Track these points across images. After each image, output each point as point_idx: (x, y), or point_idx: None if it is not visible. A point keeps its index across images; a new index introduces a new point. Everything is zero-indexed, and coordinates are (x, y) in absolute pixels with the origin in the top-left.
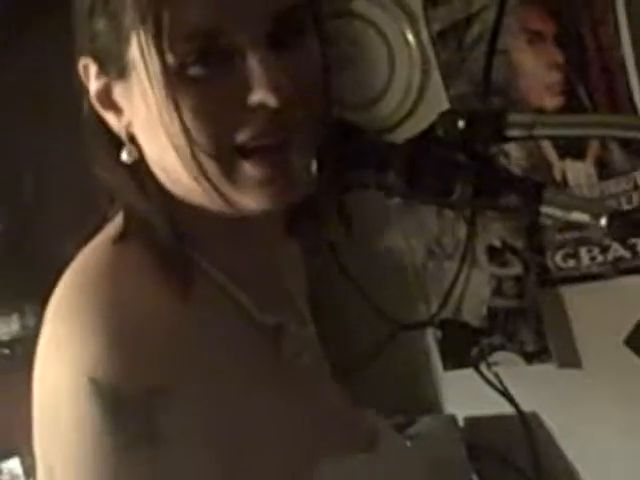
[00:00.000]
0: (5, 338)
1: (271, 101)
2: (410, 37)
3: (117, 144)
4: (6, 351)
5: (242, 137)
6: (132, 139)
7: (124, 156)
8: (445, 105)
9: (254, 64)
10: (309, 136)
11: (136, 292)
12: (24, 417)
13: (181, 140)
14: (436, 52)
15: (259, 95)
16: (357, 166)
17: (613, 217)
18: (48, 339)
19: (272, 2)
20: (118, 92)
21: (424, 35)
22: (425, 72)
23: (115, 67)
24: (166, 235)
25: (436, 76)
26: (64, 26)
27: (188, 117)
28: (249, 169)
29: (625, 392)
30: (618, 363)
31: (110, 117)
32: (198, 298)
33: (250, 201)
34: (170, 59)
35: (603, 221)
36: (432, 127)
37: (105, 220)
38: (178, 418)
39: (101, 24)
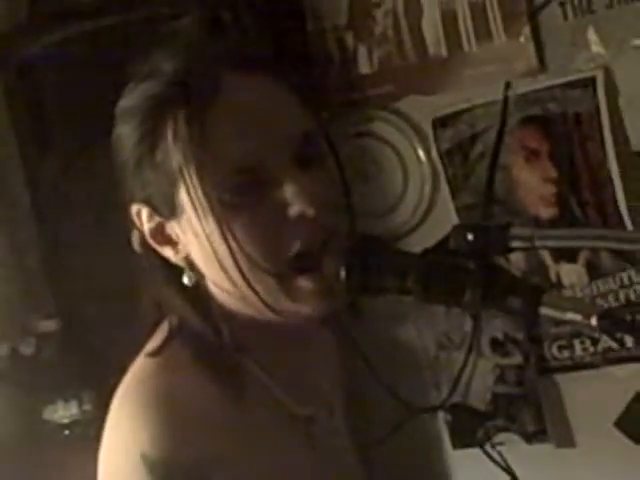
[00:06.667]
0: (66, 421)
1: (309, 211)
2: (421, 155)
3: (171, 270)
4: (67, 432)
5: (292, 249)
6: (191, 266)
7: (185, 281)
8: (452, 215)
9: (289, 184)
10: (340, 248)
11: (189, 388)
12: None
13: (235, 265)
14: (444, 168)
15: (297, 208)
16: (380, 274)
17: (602, 316)
18: (111, 424)
19: (293, 129)
20: (172, 229)
21: (434, 153)
22: (435, 185)
23: (168, 209)
24: (219, 345)
25: (444, 189)
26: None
27: (242, 242)
28: (304, 282)
29: (615, 469)
30: (609, 443)
31: (167, 251)
32: (243, 394)
33: (306, 309)
34: (215, 195)
35: (594, 320)
36: (445, 239)
37: (158, 321)
38: None
39: (150, 174)
